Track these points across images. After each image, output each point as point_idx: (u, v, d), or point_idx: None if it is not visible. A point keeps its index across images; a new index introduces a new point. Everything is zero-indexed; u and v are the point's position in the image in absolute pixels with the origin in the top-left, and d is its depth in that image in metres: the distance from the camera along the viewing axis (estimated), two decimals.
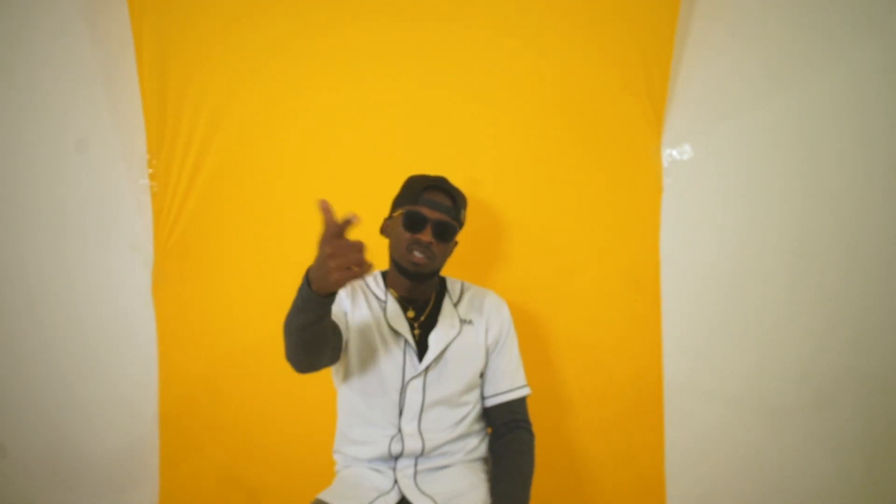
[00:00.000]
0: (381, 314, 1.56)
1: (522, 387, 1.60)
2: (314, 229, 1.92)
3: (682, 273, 1.91)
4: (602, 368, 1.93)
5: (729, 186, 1.93)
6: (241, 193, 1.93)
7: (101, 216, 1.98)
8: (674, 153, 1.89)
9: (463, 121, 1.92)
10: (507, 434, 1.55)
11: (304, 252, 1.90)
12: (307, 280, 1.25)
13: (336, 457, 1.60)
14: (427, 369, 1.53)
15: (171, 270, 1.93)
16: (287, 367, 1.65)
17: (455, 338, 1.55)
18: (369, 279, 1.63)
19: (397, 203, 1.58)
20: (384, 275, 1.64)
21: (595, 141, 1.90)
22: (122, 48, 1.92)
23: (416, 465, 1.51)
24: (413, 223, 1.51)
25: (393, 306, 1.57)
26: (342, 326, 1.52)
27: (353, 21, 1.89)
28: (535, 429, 1.60)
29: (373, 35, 1.90)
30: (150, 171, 1.93)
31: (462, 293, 1.64)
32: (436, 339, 1.53)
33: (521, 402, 1.60)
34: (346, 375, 1.55)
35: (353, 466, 1.55)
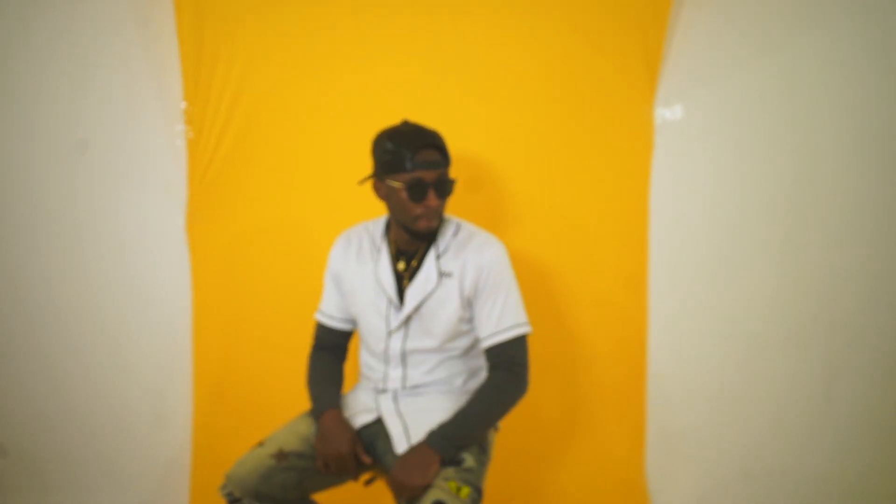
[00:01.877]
0: (372, 266, 1.65)
1: (509, 329, 1.58)
2: (338, 171, 2.09)
3: (669, 227, 2.06)
4: (584, 330, 2.08)
5: (719, 145, 2.06)
6: (272, 138, 2.08)
7: (137, 159, 2.13)
8: (666, 113, 2.05)
9: (462, 83, 2.05)
10: (487, 379, 1.59)
11: (329, 191, 2.08)
12: (315, 420, 1.63)
13: None
14: (409, 320, 1.62)
15: (204, 209, 2.10)
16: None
17: (431, 292, 1.59)
18: (377, 225, 1.70)
19: (387, 168, 1.54)
20: (389, 222, 1.69)
21: (590, 101, 2.04)
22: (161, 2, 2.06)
23: (396, 394, 1.65)
24: (416, 193, 1.52)
25: (384, 259, 1.64)
26: (344, 311, 1.71)
27: None
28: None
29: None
30: (186, 117, 2.08)
31: (451, 240, 1.63)
32: (412, 295, 1.60)
33: (508, 344, 1.58)
34: (357, 324, 1.73)
35: (358, 385, 1.75)
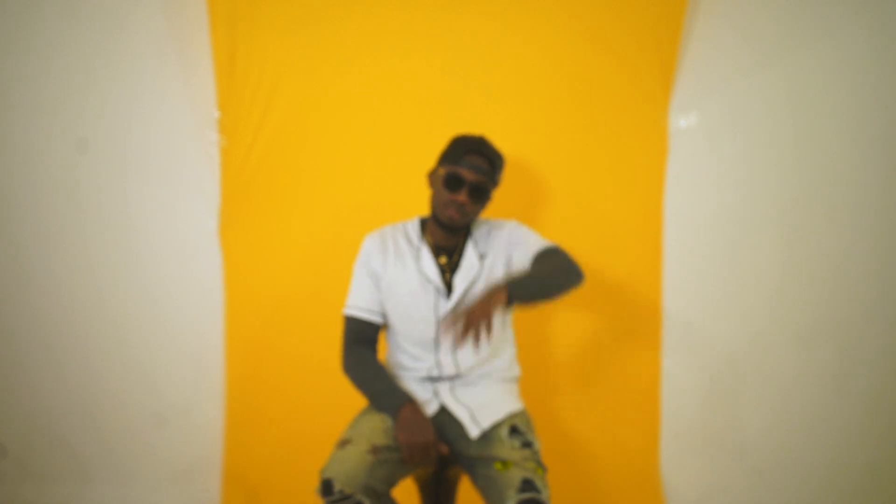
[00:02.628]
0: (413, 262, 1.77)
1: (549, 244, 1.75)
2: (366, 176, 2.17)
3: (684, 229, 2.16)
4: (602, 329, 2.17)
5: (730, 150, 2.15)
6: (301, 145, 2.18)
7: (172, 167, 2.23)
8: (680, 120, 2.13)
9: (488, 90, 2.15)
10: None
11: (358, 195, 2.18)
12: (391, 414, 1.66)
13: None
14: (457, 307, 1.73)
15: (236, 214, 2.20)
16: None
17: (476, 277, 1.75)
18: (408, 226, 1.83)
19: (442, 160, 1.76)
20: (423, 222, 1.84)
21: (608, 109, 2.14)
22: (195, 16, 2.14)
23: (452, 382, 1.75)
24: (452, 184, 1.70)
25: (426, 254, 1.77)
26: (379, 304, 1.77)
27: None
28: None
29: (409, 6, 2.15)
30: (219, 126, 2.18)
31: (483, 233, 1.81)
32: (459, 280, 1.74)
33: (555, 248, 1.74)
34: (389, 319, 1.79)
35: (400, 379, 1.81)
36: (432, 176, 1.79)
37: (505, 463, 1.58)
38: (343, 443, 1.61)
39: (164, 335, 2.26)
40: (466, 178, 1.70)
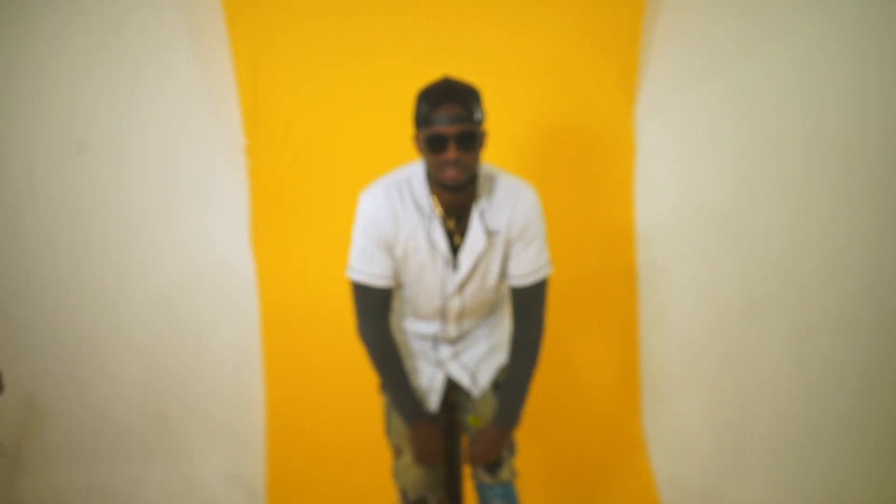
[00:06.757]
0: (424, 232, 1.67)
1: (538, 269, 1.72)
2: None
3: (651, 218, 2.45)
4: (586, 317, 2.46)
5: (691, 152, 2.47)
6: (320, 159, 2.46)
7: (206, 184, 2.55)
8: (646, 122, 2.43)
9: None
10: (517, 337, 1.78)
11: None
12: (405, 420, 1.80)
13: None
14: (463, 282, 1.72)
15: (267, 226, 2.50)
16: None
17: (482, 254, 1.68)
18: (414, 184, 1.68)
19: (416, 122, 1.60)
20: (428, 176, 1.68)
21: (578, 118, 2.43)
22: (221, 57, 2.45)
23: (454, 344, 1.83)
24: (435, 145, 1.55)
25: (437, 224, 1.67)
26: (393, 269, 1.72)
27: (391, 22, 2.42)
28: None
29: (403, 29, 2.42)
30: (247, 150, 2.49)
31: (491, 194, 1.68)
32: (465, 257, 1.68)
33: (535, 287, 1.73)
34: (399, 283, 1.77)
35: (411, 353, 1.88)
36: (416, 140, 1.64)
37: (477, 418, 1.81)
38: (398, 451, 1.84)
39: (209, 337, 2.57)
40: (447, 134, 1.54)
